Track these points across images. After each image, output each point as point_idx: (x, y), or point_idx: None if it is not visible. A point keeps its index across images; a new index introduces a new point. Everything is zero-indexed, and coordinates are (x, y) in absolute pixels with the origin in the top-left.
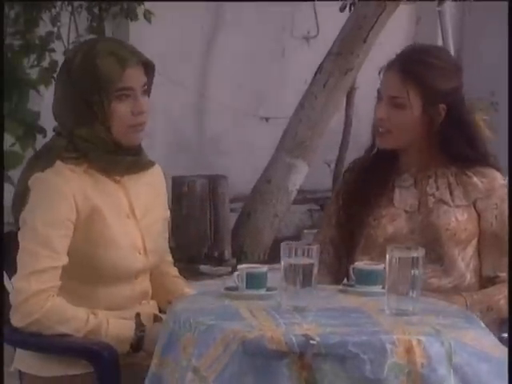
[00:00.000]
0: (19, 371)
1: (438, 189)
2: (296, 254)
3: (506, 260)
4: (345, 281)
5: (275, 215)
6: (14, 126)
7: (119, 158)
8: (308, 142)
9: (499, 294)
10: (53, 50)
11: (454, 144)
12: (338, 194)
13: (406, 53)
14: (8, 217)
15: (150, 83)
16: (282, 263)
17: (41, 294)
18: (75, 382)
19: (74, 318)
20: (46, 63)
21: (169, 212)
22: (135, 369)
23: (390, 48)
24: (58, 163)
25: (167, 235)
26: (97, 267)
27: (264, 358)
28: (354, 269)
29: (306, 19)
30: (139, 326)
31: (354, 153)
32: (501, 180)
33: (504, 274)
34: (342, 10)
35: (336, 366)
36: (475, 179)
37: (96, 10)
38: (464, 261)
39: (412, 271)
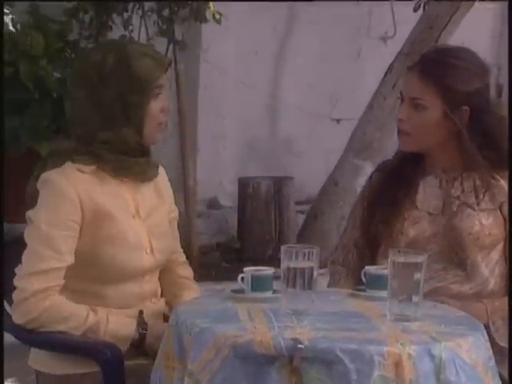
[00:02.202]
0: (35, 370)
1: (463, 191)
2: (297, 258)
3: None
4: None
5: (342, 217)
6: None
7: (132, 160)
8: (376, 143)
9: None
10: None
11: (479, 147)
12: (364, 196)
13: (428, 54)
14: None
15: None
16: (282, 266)
17: (40, 293)
18: (86, 379)
19: (73, 316)
20: None
21: (177, 212)
22: (141, 369)
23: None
24: (68, 164)
25: (177, 234)
26: (105, 267)
27: (255, 362)
28: (365, 273)
29: (384, 19)
30: (141, 324)
31: None
32: None
33: None
34: (415, 10)
35: (322, 371)
36: (502, 182)
37: (165, 13)
38: (488, 266)
39: (414, 276)
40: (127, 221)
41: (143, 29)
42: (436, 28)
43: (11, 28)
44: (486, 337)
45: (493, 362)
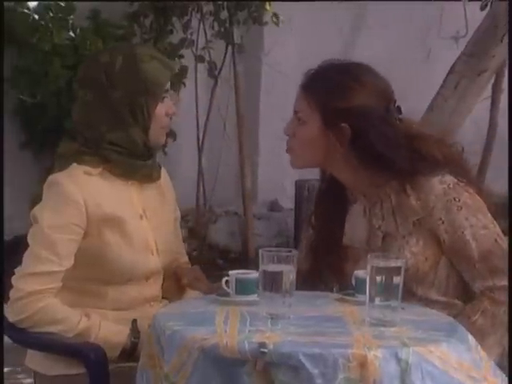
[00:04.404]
0: (32, 369)
1: (383, 218)
2: (274, 261)
3: (477, 269)
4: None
5: None
6: None
7: (140, 162)
8: None
9: (474, 314)
10: (182, 56)
11: (365, 165)
12: (309, 232)
13: (316, 67)
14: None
15: None
16: (260, 270)
17: (35, 294)
18: (79, 380)
19: (65, 320)
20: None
21: (179, 212)
22: (126, 370)
23: None
24: (74, 166)
25: (180, 235)
26: (110, 268)
27: (226, 365)
28: (355, 277)
29: (455, 18)
30: (134, 332)
31: (502, 157)
32: (438, 188)
33: (478, 284)
34: (482, 8)
35: (289, 376)
36: (411, 199)
37: (222, 16)
38: (441, 289)
39: (393, 281)
40: (135, 222)
41: (202, 32)
42: (501, 27)
43: (71, 33)
44: (472, 343)
45: None
